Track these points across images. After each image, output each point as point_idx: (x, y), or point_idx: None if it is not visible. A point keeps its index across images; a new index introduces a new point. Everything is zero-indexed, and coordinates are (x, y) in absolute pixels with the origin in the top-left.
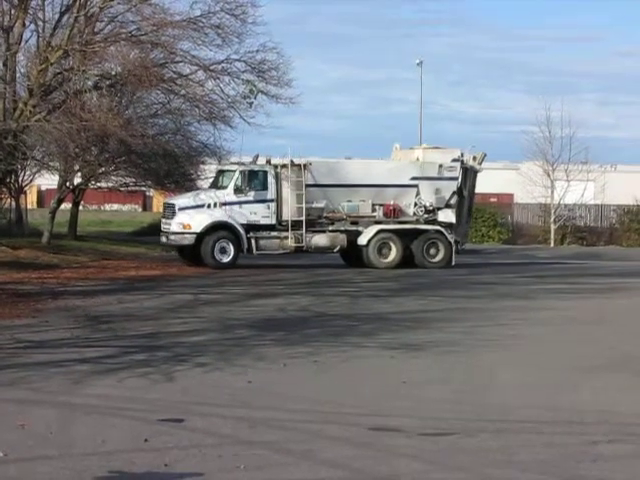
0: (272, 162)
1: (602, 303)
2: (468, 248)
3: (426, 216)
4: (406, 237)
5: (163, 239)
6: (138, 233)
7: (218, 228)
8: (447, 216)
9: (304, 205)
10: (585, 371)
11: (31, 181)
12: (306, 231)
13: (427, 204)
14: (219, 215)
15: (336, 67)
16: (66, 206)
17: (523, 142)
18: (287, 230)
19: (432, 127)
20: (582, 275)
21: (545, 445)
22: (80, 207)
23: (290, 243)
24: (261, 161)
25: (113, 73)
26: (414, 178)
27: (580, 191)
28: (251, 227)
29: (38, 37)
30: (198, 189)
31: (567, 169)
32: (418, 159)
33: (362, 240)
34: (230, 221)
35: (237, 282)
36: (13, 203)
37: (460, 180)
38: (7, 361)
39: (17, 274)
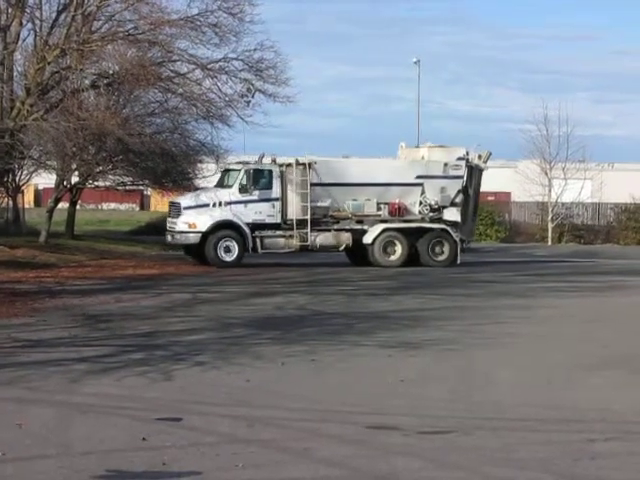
0: (277, 161)
1: (600, 301)
2: (465, 247)
3: (431, 215)
4: (411, 236)
5: (169, 238)
6: (135, 232)
7: (223, 227)
8: (452, 215)
9: (309, 204)
10: (583, 369)
11: (28, 180)
12: (311, 230)
13: (432, 203)
14: (224, 214)
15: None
16: (63, 205)
17: (520, 140)
18: (292, 229)
19: (429, 125)
20: (580, 273)
21: (543, 443)
22: (77, 206)
23: (295, 242)
24: (266, 160)
25: (110, 72)
26: (419, 177)
27: (577, 189)
28: (256, 226)
29: (35, 36)
30: (197, 188)
31: (564, 167)
32: (423, 158)
33: (367, 239)
34: (235, 220)
35: (235, 281)
36: (10, 202)
37: (465, 179)
38: (5, 360)
39: (14, 273)
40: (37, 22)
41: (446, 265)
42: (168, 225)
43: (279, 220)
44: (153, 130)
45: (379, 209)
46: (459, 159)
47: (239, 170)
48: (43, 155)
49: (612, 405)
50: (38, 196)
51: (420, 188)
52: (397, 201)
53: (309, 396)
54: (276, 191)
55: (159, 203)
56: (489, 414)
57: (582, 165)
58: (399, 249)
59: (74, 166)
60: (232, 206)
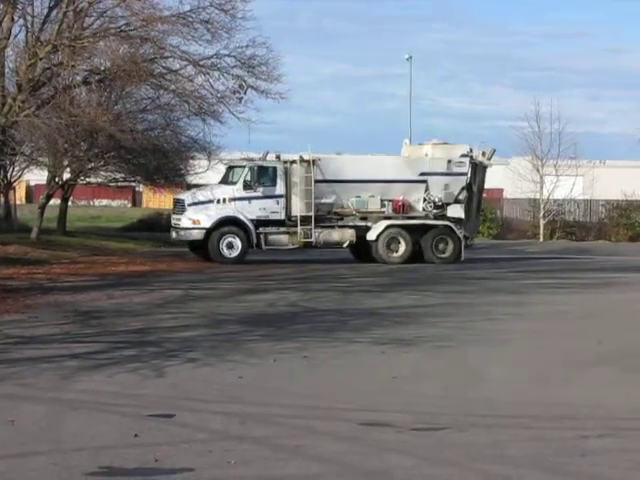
0: (281, 158)
1: (593, 298)
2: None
3: (435, 211)
4: (415, 232)
5: (173, 234)
6: (127, 228)
7: (227, 223)
8: (456, 211)
9: (313, 200)
10: (575, 366)
11: (20, 176)
12: (315, 226)
13: (436, 199)
14: (228, 210)
15: (326, 63)
16: (55, 201)
17: (512, 137)
18: (296, 225)
19: (422, 122)
20: (572, 270)
21: (536, 440)
22: (69, 202)
23: (299, 238)
24: (270, 157)
25: (102, 68)
26: (423, 173)
27: (569, 186)
28: (260, 222)
29: (27, 32)
30: (190, 185)
31: (556, 164)
32: (427, 155)
33: (371, 235)
34: (239, 216)
35: (228, 277)
36: (2, 198)
37: (469, 175)
38: None
39: (6, 270)
40: (29, 18)
41: (450, 262)
42: (172, 221)
43: (283, 217)
44: (145, 126)
45: (383, 206)
46: (463, 156)
47: (243, 167)
48: (35, 151)
49: (605, 402)
50: (30, 192)
51: (424, 185)
52: (401, 198)
53: (302, 393)
54: (280, 188)
55: (151, 199)
56: (482, 411)
57: (574, 162)
58: (403, 246)
59: (66, 162)
60: (236, 202)
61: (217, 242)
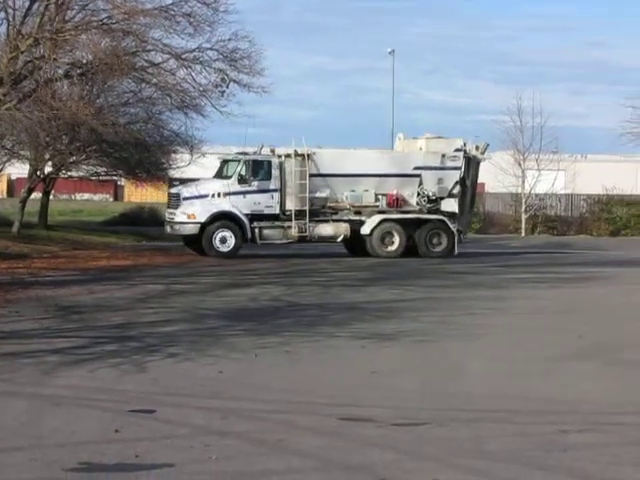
0: (276, 152)
1: (574, 292)
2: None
3: (429, 206)
4: (409, 227)
5: (168, 229)
6: (109, 223)
7: (222, 218)
8: (450, 206)
9: (307, 195)
10: (555, 360)
11: (1, 170)
12: (309, 221)
13: (430, 194)
14: (223, 205)
15: (309, 56)
16: (37, 195)
17: (494, 131)
18: (291, 220)
19: (405, 116)
20: (553, 264)
21: (516, 434)
22: (51, 196)
23: (294, 233)
24: (265, 151)
25: (84, 61)
26: (417, 168)
27: (551, 180)
28: (255, 217)
29: (8, 25)
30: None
31: (538, 158)
32: (421, 149)
33: (365, 230)
34: (234, 211)
35: (210, 272)
36: None
37: (463, 170)
38: None
39: None
40: (10, 11)
41: (444, 256)
42: (167, 216)
43: (278, 211)
44: (127, 120)
45: (377, 200)
46: (457, 150)
47: (238, 161)
48: (16, 145)
49: (586, 396)
50: (11, 186)
51: (418, 179)
52: (395, 192)
53: (283, 388)
54: (275, 182)
55: (133, 193)
56: (463, 405)
57: (555, 156)
58: (397, 240)
59: (47, 156)
60: (231, 197)
61: (211, 236)
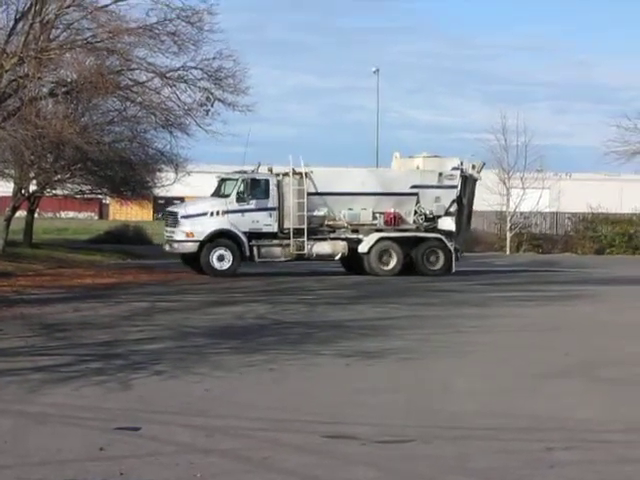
0: (274, 170)
1: (559, 310)
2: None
3: (426, 224)
4: (406, 245)
5: (167, 247)
6: (94, 241)
7: (221, 236)
8: (447, 224)
9: (305, 213)
10: (542, 378)
11: None
12: (307, 239)
13: (427, 212)
14: (222, 223)
15: (294, 75)
16: (21, 214)
17: (479, 150)
18: (289, 238)
19: (389, 134)
20: (538, 282)
21: (501, 452)
22: (35, 215)
23: (292, 251)
24: (262, 169)
25: (69, 80)
26: (414, 186)
27: (535, 199)
28: (253, 235)
29: None
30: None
31: (523, 177)
32: (418, 167)
33: (363, 248)
34: (233, 229)
35: (195, 290)
36: None
37: (460, 188)
38: None
39: None
40: None
41: (441, 274)
42: (165, 234)
43: (276, 229)
44: (112, 139)
45: (375, 218)
46: (454, 169)
47: (236, 179)
48: (1, 163)
49: (571, 414)
50: None
51: (415, 198)
52: (392, 210)
53: (268, 405)
54: (273, 200)
55: (118, 212)
56: (448, 423)
57: (540, 175)
58: (394, 258)
59: (32, 174)
60: (230, 215)
61: (210, 255)
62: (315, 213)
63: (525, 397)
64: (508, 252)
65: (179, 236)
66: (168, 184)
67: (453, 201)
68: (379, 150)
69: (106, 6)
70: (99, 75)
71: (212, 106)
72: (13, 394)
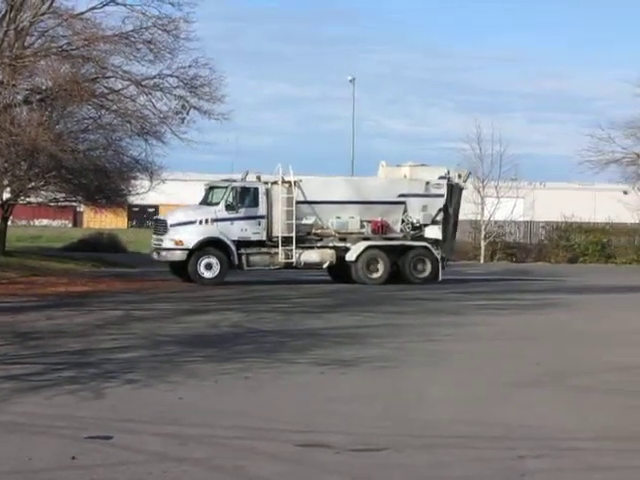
0: (262, 179)
1: (532, 319)
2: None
3: (413, 232)
4: (394, 253)
5: (155, 255)
6: (68, 249)
7: (210, 244)
8: (434, 232)
9: (294, 221)
10: (513, 386)
11: None
12: (296, 247)
13: (414, 221)
14: (211, 231)
15: (270, 84)
16: None
17: (454, 159)
18: (277, 246)
19: (366, 144)
20: (512, 291)
21: (474, 460)
22: (9, 222)
23: (280, 259)
24: (251, 177)
25: (43, 87)
26: (402, 195)
27: (510, 208)
28: (242, 243)
29: None
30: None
31: (497, 186)
32: (405, 176)
33: (351, 256)
34: (222, 237)
35: (169, 298)
36: None
37: (446, 197)
38: None
39: None
40: None
41: (428, 282)
42: (153, 242)
43: (264, 237)
44: (87, 146)
45: (362, 227)
46: (441, 178)
47: (225, 188)
48: None
49: (543, 422)
50: None
51: (402, 206)
52: (380, 219)
53: (242, 414)
54: (262, 209)
55: (92, 220)
56: (421, 431)
57: (514, 184)
58: (382, 266)
59: (6, 182)
60: (219, 223)
61: (197, 263)
62: (303, 221)
63: (498, 406)
64: (482, 261)
65: (168, 244)
66: (143, 192)
67: (440, 210)
68: (355, 159)
69: (82, 14)
70: (74, 83)
71: (187, 114)
72: None
